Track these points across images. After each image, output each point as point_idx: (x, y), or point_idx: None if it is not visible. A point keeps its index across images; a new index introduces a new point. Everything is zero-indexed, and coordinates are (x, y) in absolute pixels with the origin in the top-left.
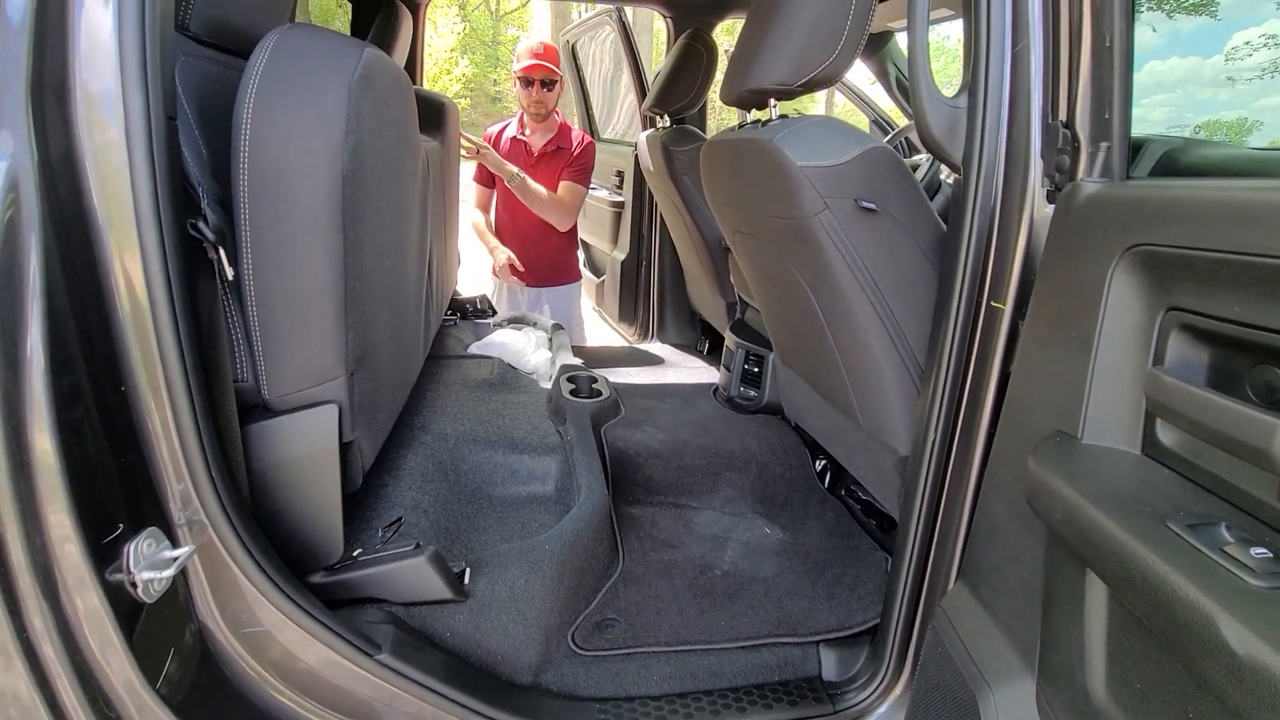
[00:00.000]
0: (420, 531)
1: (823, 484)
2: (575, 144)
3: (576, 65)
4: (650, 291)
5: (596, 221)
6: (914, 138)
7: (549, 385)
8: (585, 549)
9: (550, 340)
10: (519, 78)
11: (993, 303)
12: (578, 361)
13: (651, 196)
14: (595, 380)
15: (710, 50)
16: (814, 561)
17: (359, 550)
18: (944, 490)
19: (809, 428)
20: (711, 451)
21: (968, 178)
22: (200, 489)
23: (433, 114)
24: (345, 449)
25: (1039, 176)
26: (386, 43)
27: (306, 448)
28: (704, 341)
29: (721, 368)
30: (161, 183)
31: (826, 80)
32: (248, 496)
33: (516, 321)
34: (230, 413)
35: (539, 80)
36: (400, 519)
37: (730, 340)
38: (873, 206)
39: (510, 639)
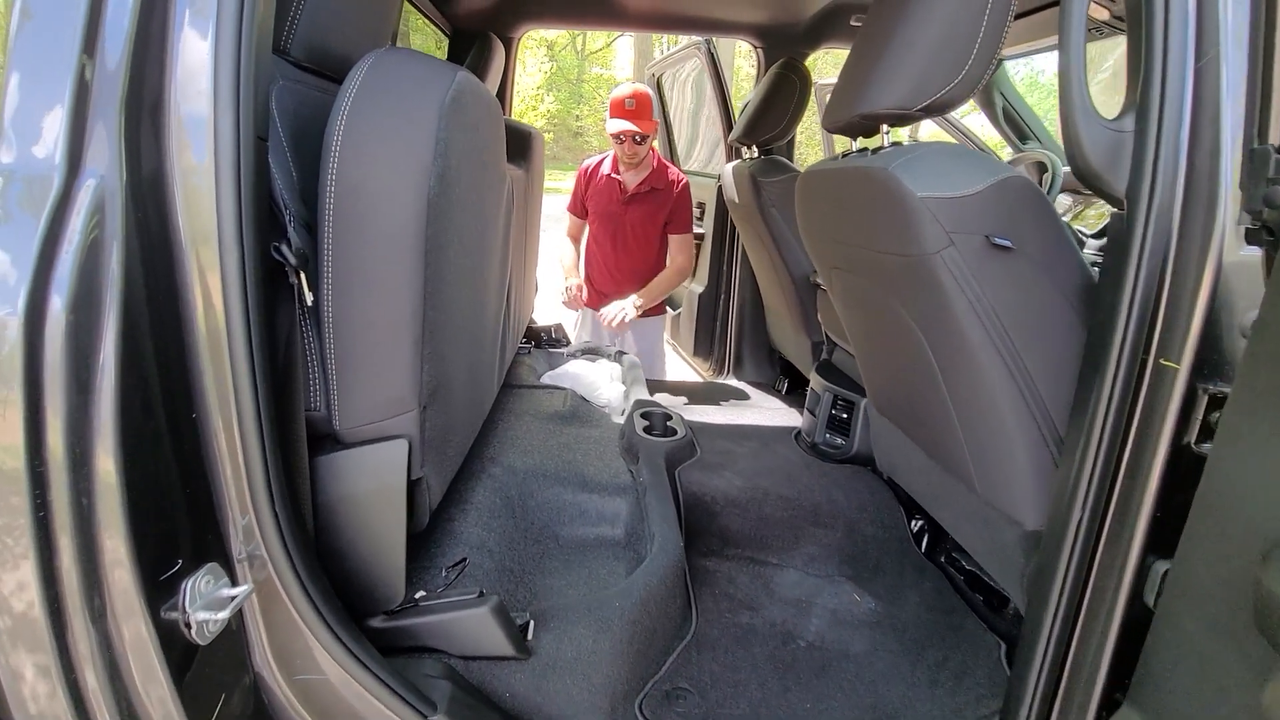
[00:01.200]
0: (484, 573)
1: (919, 547)
2: (671, 186)
3: (661, 99)
4: (728, 326)
5: None
6: (1023, 171)
7: (621, 420)
8: (657, 607)
9: (624, 373)
10: (611, 136)
11: (1162, 361)
12: (652, 397)
13: (733, 228)
14: (670, 417)
15: (804, 80)
16: (912, 639)
17: (421, 593)
18: (1089, 581)
19: (906, 485)
20: (794, 503)
21: (1134, 212)
22: (263, 523)
23: (519, 143)
24: (413, 486)
25: (1232, 211)
26: (479, 72)
27: (374, 483)
28: (783, 381)
29: (805, 411)
30: (246, 204)
31: (949, 104)
32: (312, 533)
33: (590, 352)
34: (300, 444)
35: (631, 136)
36: (465, 560)
37: (816, 383)
38: (1008, 244)
39: (574, 705)
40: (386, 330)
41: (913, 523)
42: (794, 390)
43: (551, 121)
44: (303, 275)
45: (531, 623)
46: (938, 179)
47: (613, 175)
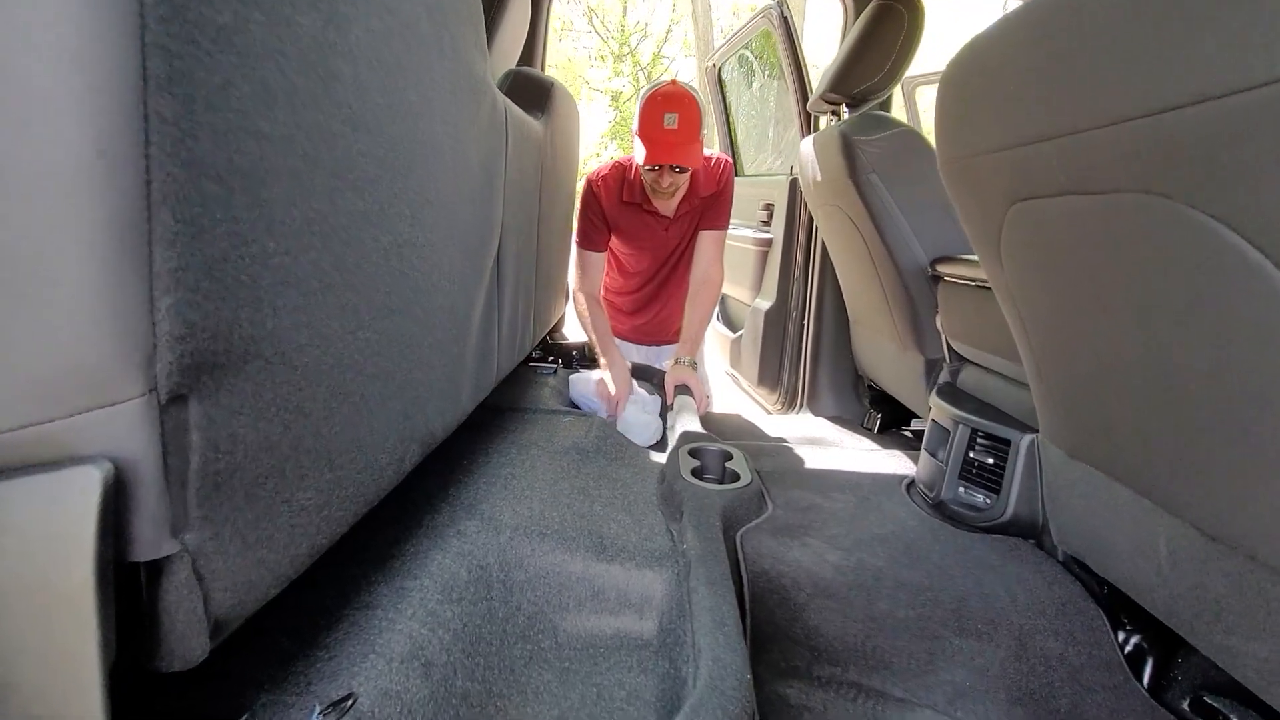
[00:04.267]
0: (409, 707)
1: (1139, 681)
2: (714, 179)
3: (722, 92)
4: (802, 348)
5: (735, 266)
6: None
7: (662, 458)
8: None
9: (662, 403)
10: (643, 168)
11: None
12: (703, 431)
13: (810, 230)
14: (730, 456)
15: (914, 10)
16: None
17: None
18: None
19: (1127, 582)
20: (925, 595)
21: None
22: None
23: (534, 92)
24: (153, 575)
25: None
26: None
27: (29, 566)
28: (874, 417)
29: (922, 453)
30: None
31: None
32: None
33: (639, 377)
34: None
35: (669, 167)
36: (350, 698)
37: (940, 412)
38: None
39: None
40: (42, 203)
41: (1120, 636)
42: (887, 429)
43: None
44: None
45: None
46: None
47: (644, 208)
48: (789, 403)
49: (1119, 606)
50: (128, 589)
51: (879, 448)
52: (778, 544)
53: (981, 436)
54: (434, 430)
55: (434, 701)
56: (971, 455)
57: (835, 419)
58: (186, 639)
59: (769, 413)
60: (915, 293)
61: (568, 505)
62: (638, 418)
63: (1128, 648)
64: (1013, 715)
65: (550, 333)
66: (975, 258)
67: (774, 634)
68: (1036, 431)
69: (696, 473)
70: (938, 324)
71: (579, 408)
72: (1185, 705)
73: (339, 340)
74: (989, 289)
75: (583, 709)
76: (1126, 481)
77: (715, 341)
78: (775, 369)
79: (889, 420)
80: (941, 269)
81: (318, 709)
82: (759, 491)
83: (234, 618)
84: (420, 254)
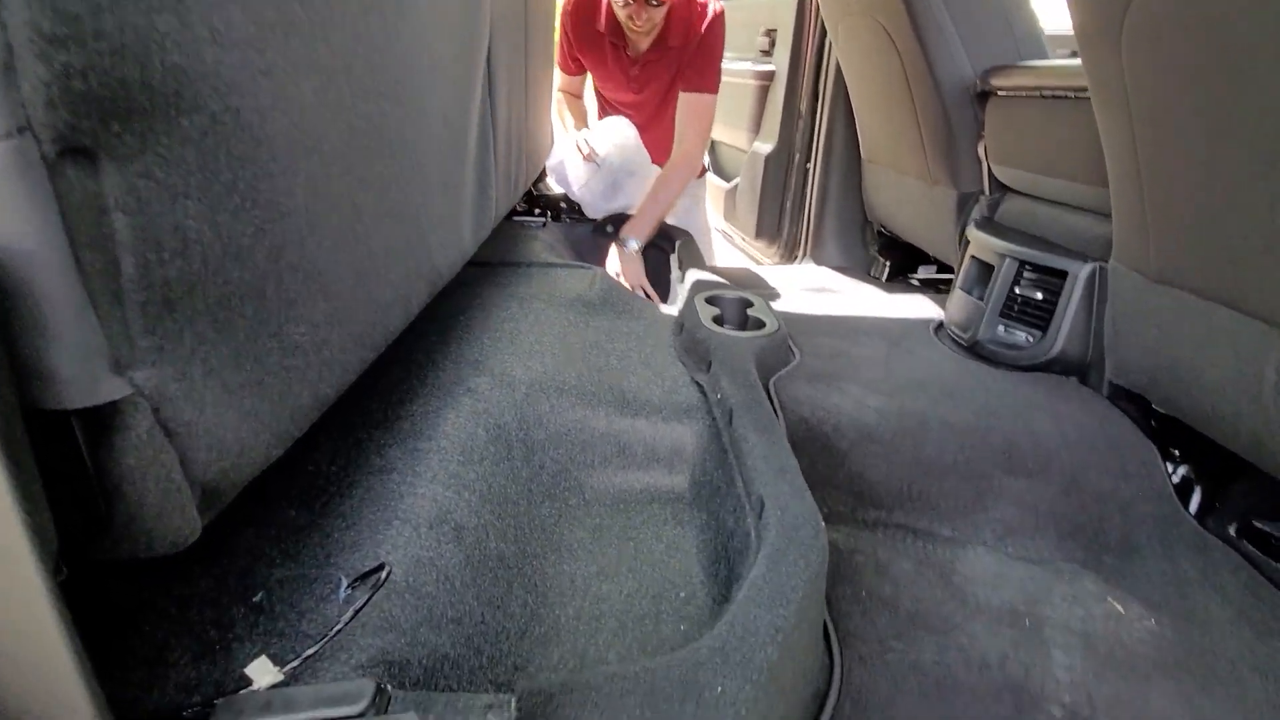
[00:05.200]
0: (443, 577)
1: (1187, 511)
2: (688, 27)
3: None
4: (806, 194)
5: (730, 107)
6: None
7: (673, 310)
8: (796, 654)
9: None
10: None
11: None
12: (716, 279)
13: (820, 55)
14: (750, 304)
15: None
16: (1267, 712)
17: (258, 671)
18: None
19: (1206, 412)
20: (971, 436)
21: None
22: None
23: None
24: (94, 432)
25: None
26: None
27: None
28: (882, 265)
29: (956, 293)
30: None
31: None
32: None
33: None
34: None
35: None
36: (383, 569)
37: (983, 247)
38: None
39: None
40: None
41: (1171, 469)
42: (895, 278)
43: None
44: None
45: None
46: None
47: (609, 39)
48: (789, 254)
49: (1169, 440)
50: (67, 451)
51: (891, 294)
52: (814, 390)
53: (1030, 270)
54: (438, 267)
55: (470, 566)
56: (1017, 291)
57: (840, 269)
58: (168, 514)
59: (768, 265)
60: (954, 116)
61: (582, 360)
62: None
63: (1174, 479)
64: (1063, 549)
65: (535, 183)
66: (1039, 64)
67: (817, 481)
68: (1098, 260)
69: (717, 321)
70: (979, 151)
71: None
72: (1232, 531)
73: (315, 113)
74: (1059, 99)
75: (621, 563)
76: (1233, 304)
77: (708, 195)
78: (775, 219)
79: (897, 268)
80: (995, 81)
81: (344, 582)
82: (786, 338)
83: (227, 485)
84: (406, 46)
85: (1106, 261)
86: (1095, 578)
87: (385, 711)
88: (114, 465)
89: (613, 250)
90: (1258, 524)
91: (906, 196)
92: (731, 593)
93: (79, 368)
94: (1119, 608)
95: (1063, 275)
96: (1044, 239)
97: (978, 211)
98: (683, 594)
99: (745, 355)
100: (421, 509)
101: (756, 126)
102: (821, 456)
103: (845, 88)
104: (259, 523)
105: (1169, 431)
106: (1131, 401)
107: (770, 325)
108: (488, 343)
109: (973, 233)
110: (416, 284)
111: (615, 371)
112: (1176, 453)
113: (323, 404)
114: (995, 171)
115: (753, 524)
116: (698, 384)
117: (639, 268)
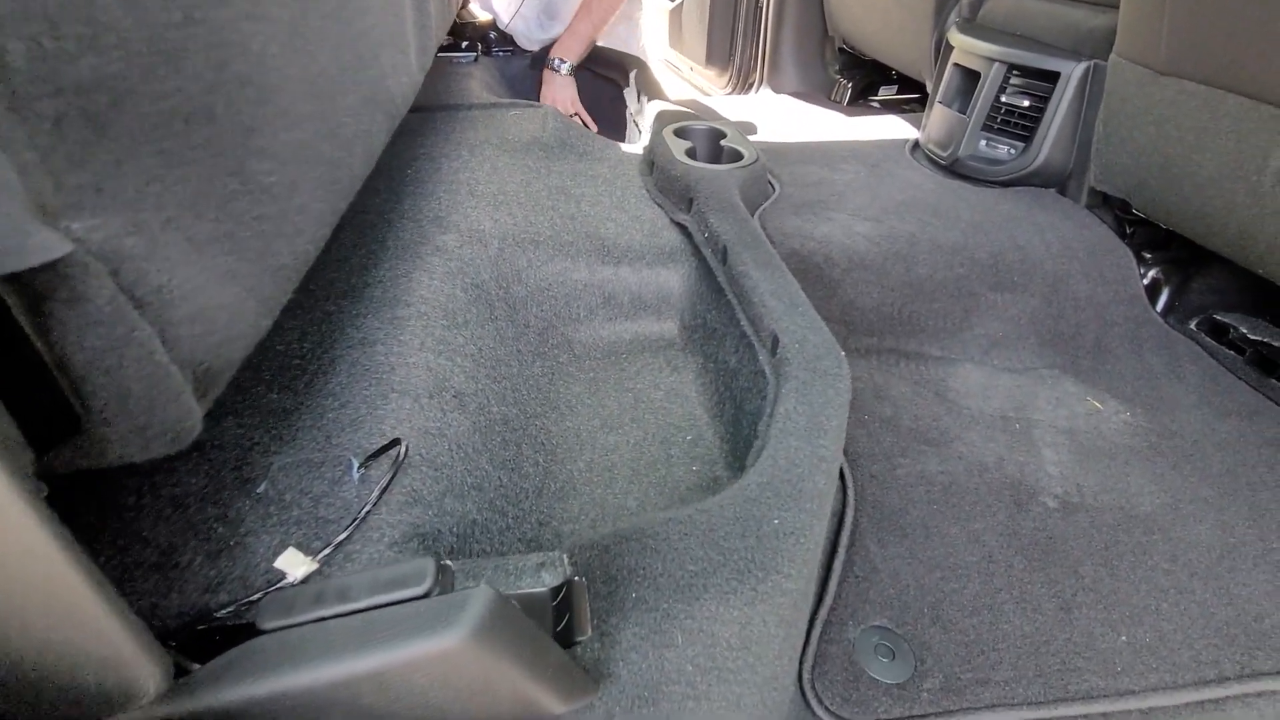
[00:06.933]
0: (457, 442)
1: (1156, 310)
2: None
3: None
4: (760, 12)
5: None
6: None
7: (635, 148)
8: (834, 479)
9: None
10: None
11: None
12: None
13: None
14: (723, 134)
15: None
16: (1226, 480)
17: (289, 565)
18: None
19: (1189, 212)
20: (960, 255)
21: None
22: None
23: None
24: (35, 304)
25: None
26: None
27: None
28: (844, 87)
29: (935, 107)
30: None
31: None
32: None
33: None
34: None
35: None
36: (399, 445)
37: (968, 52)
38: None
39: None
40: None
41: (1144, 271)
42: (856, 101)
43: None
44: None
45: (576, 576)
46: None
47: None
48: (743, 83)
49: (1143, 245)
50: (13, 336)
51: (860, 115)
52: (801, 221)
53: (1018, 74)
54: (393, 94)
55: (479, 432)
56: (1003, 100)
57: (798, 94)
58: (159, 404)
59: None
60: None
61: (552, 209)
62: None
63: (1144, 281)
64: (1043, 356)
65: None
66: None
67: None
68: (1092, 59)
69: (690, 155)
70: None
71: None
72: (1194, 325)
73: None
74: None
75: (623, 414)
76: (1245, 90)
77: (648, 20)
78: (726, 43)
79: (860, 90)
80: None
81: (355, 463)
82: (765, 169)
83: (221, 364)
84: None
85: (1102, 59)
86: (1075, 380)
87: (452, 588)
88: (76, 349)
89: (546, 77)
90: (1217, 316)
91: (876, 5)
92: (744, 429)
93: None
94: (1097, 404)
95: (1053, 78)
96: (1033, 38)
97: (957, 13)
98: (689, 437)
99: (729, 189)
100: (417, 379)
101: None
102: (814, 288)
103: None
104: (237, 411)
105: (1144, 237)
106: (1109, 209)
107: (749, 155)
108: (444, 196)
109: (955, 36)
110: (375, 116)
111: (589, 219)
112: (1148, 256)
113: (304, 263)
114: None
115: (765, 360)
116: (679, 225)
117: (572, 93)
